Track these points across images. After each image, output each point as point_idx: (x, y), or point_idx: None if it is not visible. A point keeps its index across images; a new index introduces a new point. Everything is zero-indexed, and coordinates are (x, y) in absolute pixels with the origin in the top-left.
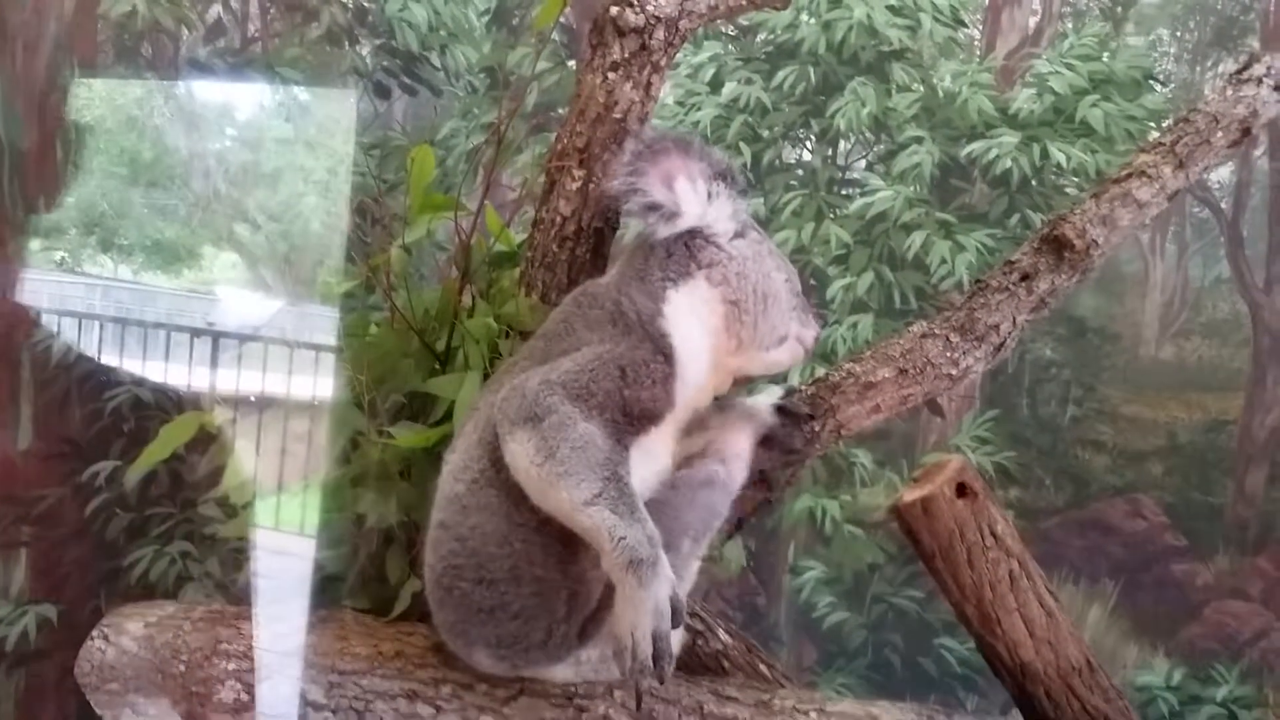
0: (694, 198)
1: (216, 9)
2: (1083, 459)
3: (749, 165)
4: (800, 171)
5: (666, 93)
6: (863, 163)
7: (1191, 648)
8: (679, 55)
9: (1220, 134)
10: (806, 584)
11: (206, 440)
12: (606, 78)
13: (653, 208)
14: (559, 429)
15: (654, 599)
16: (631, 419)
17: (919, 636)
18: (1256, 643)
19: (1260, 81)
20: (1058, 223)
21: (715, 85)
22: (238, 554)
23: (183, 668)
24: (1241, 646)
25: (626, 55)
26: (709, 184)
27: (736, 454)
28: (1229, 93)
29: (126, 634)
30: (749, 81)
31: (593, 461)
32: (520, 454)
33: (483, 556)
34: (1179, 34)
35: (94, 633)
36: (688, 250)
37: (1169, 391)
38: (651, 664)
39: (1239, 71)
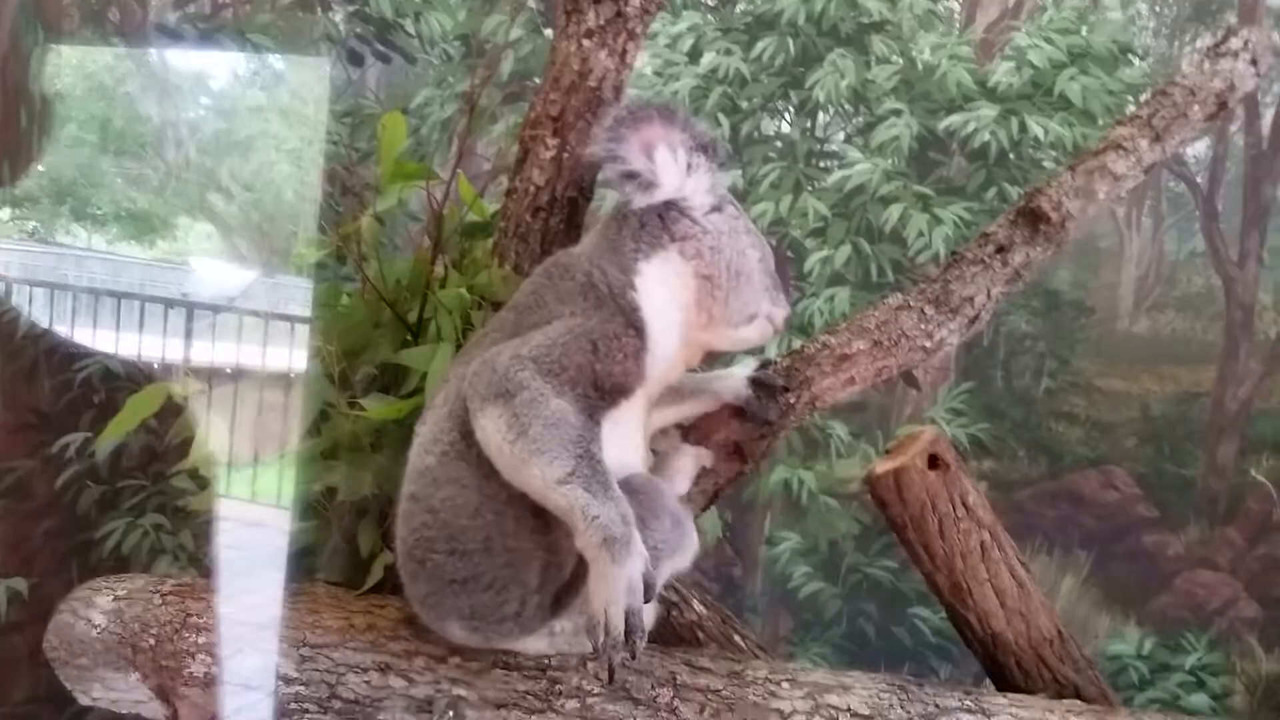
0: (673, 168)
1: None
2: (1056, 431)
3: (728, 137)
4: (779, 143)
5: (644, 63)
6: (841, 135)
7: (1162, 617)
8: (657, 25)
9: (1197, 108)
10: (782, 555)
11: (177, 412)
12: (581, 45)
13: (630, 176)
14: (531, 406)
15: (627, 576)
16: (603, 393)
17: (893, 606)
18: (1225, 611)
19: (1237, 55)
20: (1033, 195)
21: (694, 55)
22: (209, 527)
23: (152, 641)
24: (1211, 615)
25: (602, 22)
26: (689, 155)
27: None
28: (1206, 66)
29: (96, 608)
30: (728, 52)
31: (565, 439)
32: (492, 431)
33: (454, 528)
34: (1157, 8)
35: (62, 606)
36: (661, 222)
37: (1143, 364)
38: (624, 639)
39: (1216, 45)
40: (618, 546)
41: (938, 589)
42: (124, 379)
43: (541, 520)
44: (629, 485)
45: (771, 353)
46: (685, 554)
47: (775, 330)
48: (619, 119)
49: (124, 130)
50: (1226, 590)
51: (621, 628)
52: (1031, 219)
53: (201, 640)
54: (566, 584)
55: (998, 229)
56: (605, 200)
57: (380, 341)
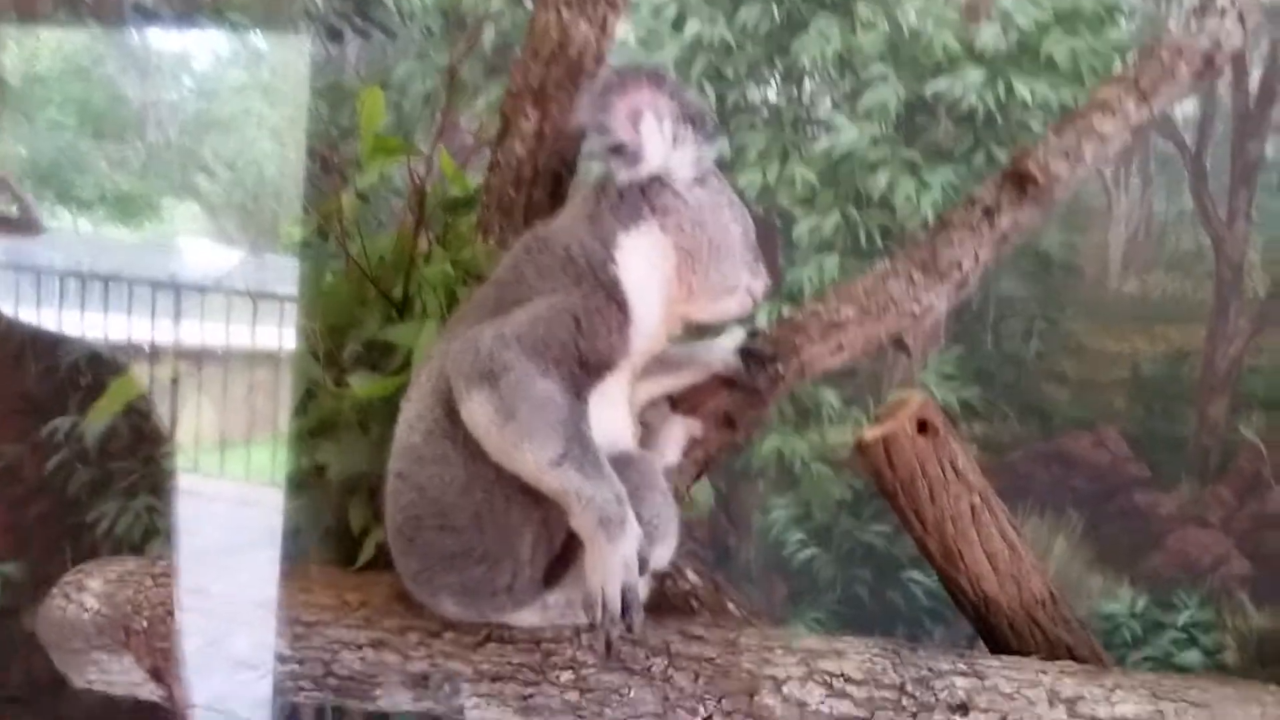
0: (659, 140)
1: None
2: (1047, 392)
3: (714, 106)
4: (765, 111)
5: (627, 31)
6: (828, 101)
7: (1155, 575)
8: None
9: (1184, 67)
10: (776, 522)
11: (166, 394)
12: (560, 15)
13: (615, 150)
14: (517, 387)
15: (623, 554)
16: (588, 369)
17: (887, 570)
18: (1216, 569)
19: (1224, 14)
20: (1020, 158)
21: (678, 24)
22: (200, 507)
23: (145, 624)
24: (1202, 573)
25: None
26: (675, 126)
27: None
28: (1193, 25)
29: (88, 591)
30: (712, 20)
31: (554, 420)
32: (479, 414)
33: (443, 505)
34: None
35: (54, 590)
36: (642, 194)
37: (1133, 324)
38: (620, 615)
39: (1202, 4)
40: (613, 526)
41: (929, 554)
42: (111, 362)
43: (531, 495)
44: (621, 462)
45: (761, 321)
46: (675, 534)
47: (755, 302)
48: (607, 85)
49: (105, 112)
50: (1218, 548)
51: (619, 604)
52: (1018, 182)
53: (195, 622)
54: (559, 556)
55: (984, 193)
56: (589, 171)
57: (365, 319)
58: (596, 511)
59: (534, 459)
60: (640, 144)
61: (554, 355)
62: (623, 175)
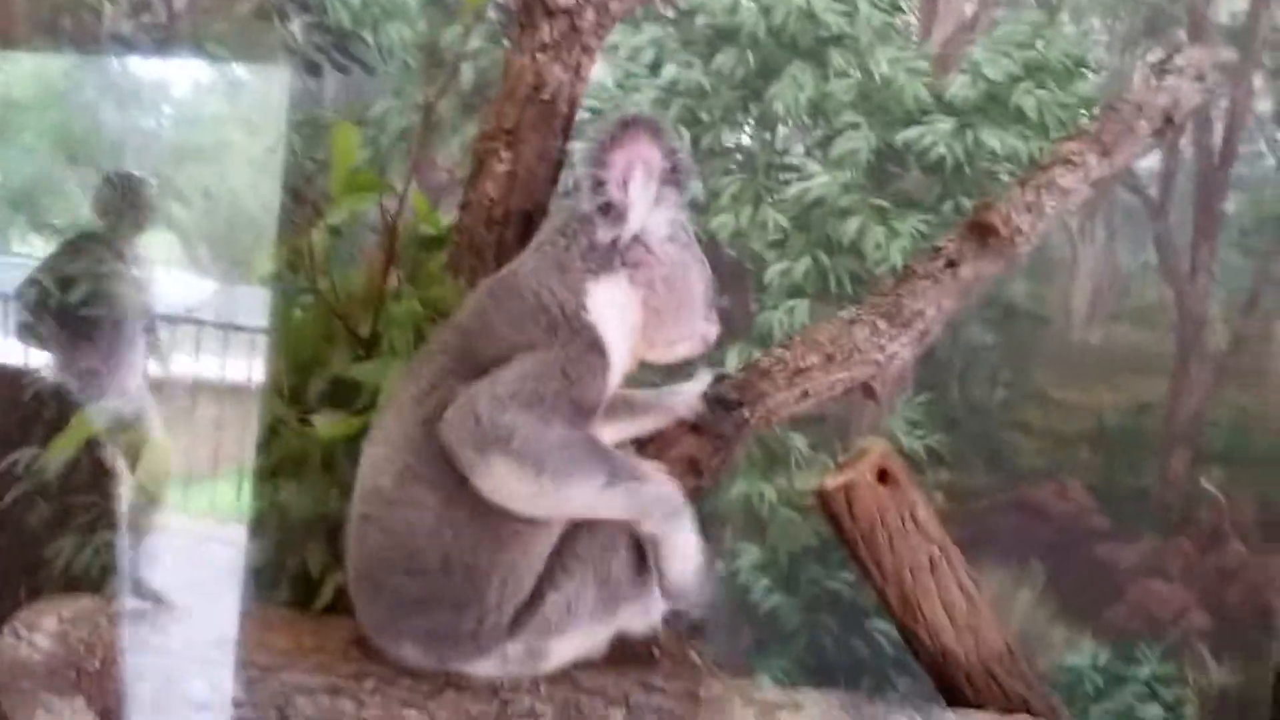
0: (643, 201)
1: None
2: (1012, 441)
3: (688, 149)
4: (739, 156)
5: (605, 75)
6: (800, 148)
7: (1116, 628)
8: (618, 36)
9: (1144, 123)
10: (742, 568)
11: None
12: (535, 58)
13: (605, 209)
14: (531, 442)
15: (694, 534)
16: (580, 413)
17: (852, 619)
18: (1177, 622)
19: (1182, 73)
20: (983, 209)
21: (654, 68)
22: (160, 545)
23: (98, 665)
24: (1164, 626)
25: (556, 36)
26: (661, 186)
27: None
28: (1152, 83)
29: (40, 630)
30: (688, 65)
31: (583, 453)
32: (504, 479)
33: (412, 548)
34: (1110, 22)
35: (4, 629)
36: (613, 245)
37: (1097, 375)
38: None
39: (1161, 63)
40: (678, 514)
41: (889, 604)
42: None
43: (499, 539)
44: (602, 525)
45: (730, 365)
46: (649, 603)
47: (706, 346)
48: (609, 138)
49: (81, 138)
50: (1179, 601)
51: (705, 585)
52: (981, 233)
53: (149, 663)
54: (525, 603)
55: (947, 244)
56: (558, 211)
57: (332, 356)
58: (661, 509)
59: (582, 494)
60: (627, 205)
61: (550, 405)
62: (604, 234)
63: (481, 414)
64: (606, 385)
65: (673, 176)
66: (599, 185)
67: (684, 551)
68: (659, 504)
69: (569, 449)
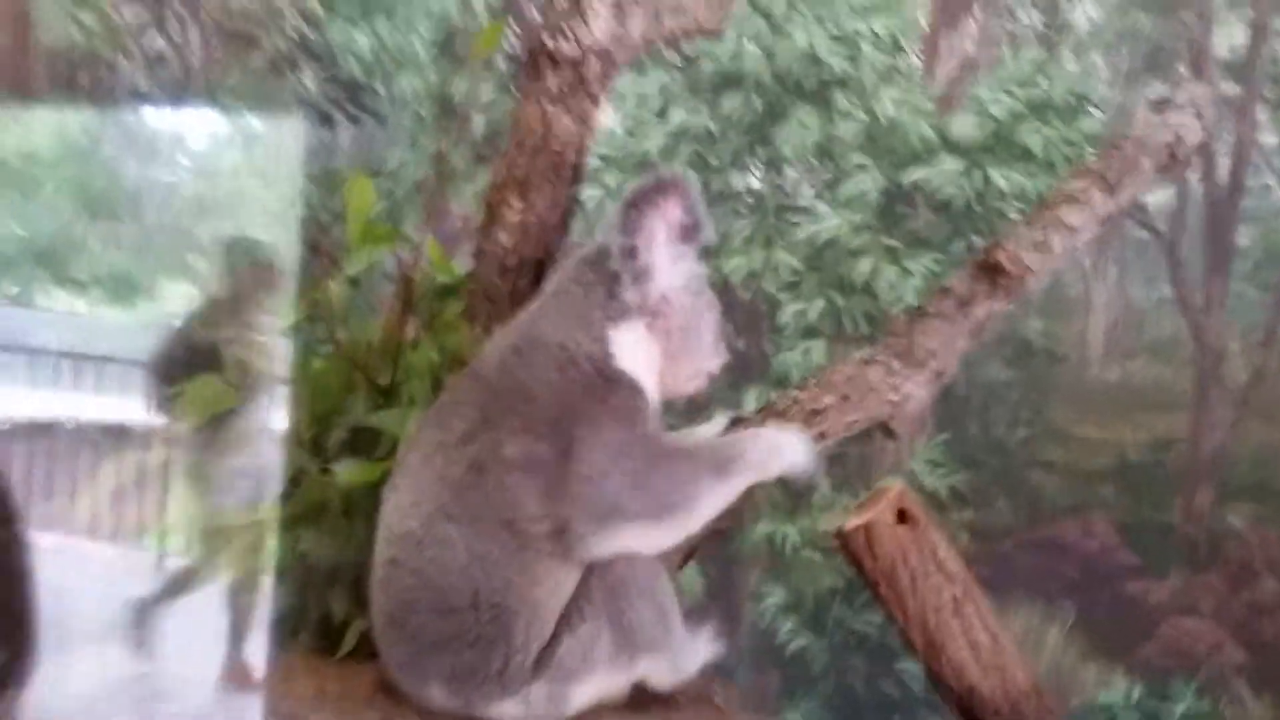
0: (666, 261)
1: (157, 39)
2: (1034, 480)
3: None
4: (749, 198)
5: (615, 122)
6: (809, 189)
7: (1148, 665)
8: (626, 84)
9: (1147, 160)
10: (768, 610)
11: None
12: (544, 109)
13: (633, 272)
14: (637, 494)
15: (790, 436)
16: (656, 443)
17: (880, 660)
18: (1211, 658)
19: (1182, 109)
20: (991, 249)
21: (662, 113)
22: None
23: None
24: (1197, 662)
25: (563, 86)
26: (683, 245)
27: None
28: (1154, 120)
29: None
30: (696, 110)
31: (685, 468)
32: (635, 541)
33: (443, 587)
34: (1112, 59)
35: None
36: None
37: (1116, 412)
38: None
39: (1161, 100)
40: (776, 448)
41: (912, 645)
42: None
43: (528, 579)
44: (609, 570)
45: (749, 406)
46: (676, 657)
47: (710, 380)
48: (638, 201)
49: (101, 192)
50: (1211, 637)
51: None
52: (990, 273)
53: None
54: (548, 645)
55: (958, 283)
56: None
57: (352, 405)
58: (781, 463)
59: (709, 500)
60: (652, 267)
61: (638, 461)
62: (630, 293)
63: (585, 502)
64: (649, 414)
65: (693, 233)
66: (630, 253)
67: (794, 448)
68: (779, 463)
69: (672, 475)
